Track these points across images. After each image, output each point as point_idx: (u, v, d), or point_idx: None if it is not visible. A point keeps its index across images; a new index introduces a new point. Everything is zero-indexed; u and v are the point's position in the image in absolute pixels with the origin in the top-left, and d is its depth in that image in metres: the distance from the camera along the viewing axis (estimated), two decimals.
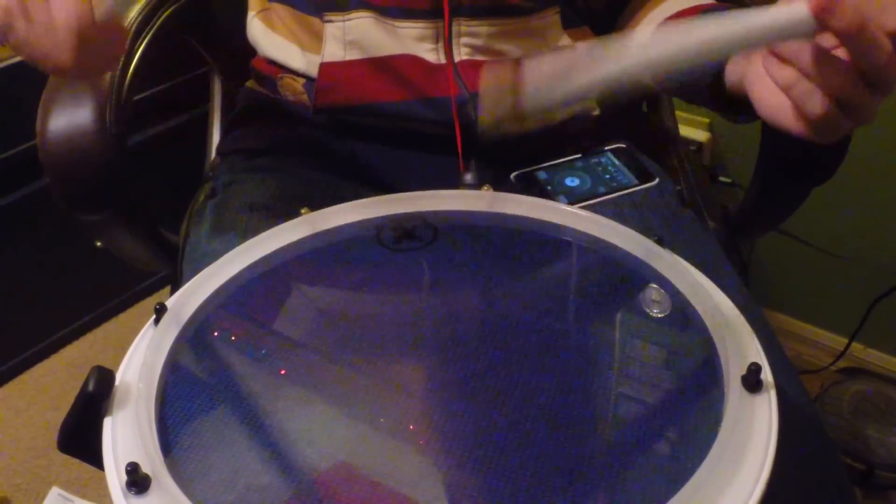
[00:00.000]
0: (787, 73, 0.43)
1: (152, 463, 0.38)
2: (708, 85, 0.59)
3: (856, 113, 0.43)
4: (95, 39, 0.52)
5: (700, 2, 0.68)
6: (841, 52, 0.41)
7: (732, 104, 0.60)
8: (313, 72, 0.70)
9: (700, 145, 1.30)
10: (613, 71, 0.41)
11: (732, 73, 0.56)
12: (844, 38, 0.39)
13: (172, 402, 0.43)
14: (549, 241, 0.56)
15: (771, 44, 0.43)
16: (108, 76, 0.70)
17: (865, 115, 0.43)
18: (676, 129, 0.96)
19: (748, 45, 0.42)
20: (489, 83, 0.39)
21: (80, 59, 0.51)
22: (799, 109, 0.44)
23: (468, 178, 0.62)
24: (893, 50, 0.40)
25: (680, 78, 0.66)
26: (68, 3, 0.50)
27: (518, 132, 0.42)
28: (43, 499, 1.22)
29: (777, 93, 0.45)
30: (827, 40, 0.41)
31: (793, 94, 0.44)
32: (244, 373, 0.46)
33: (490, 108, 0.39)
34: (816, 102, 0.43)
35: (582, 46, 0.40)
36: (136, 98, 0.73)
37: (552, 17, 0.70)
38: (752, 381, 0.41)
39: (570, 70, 0.40)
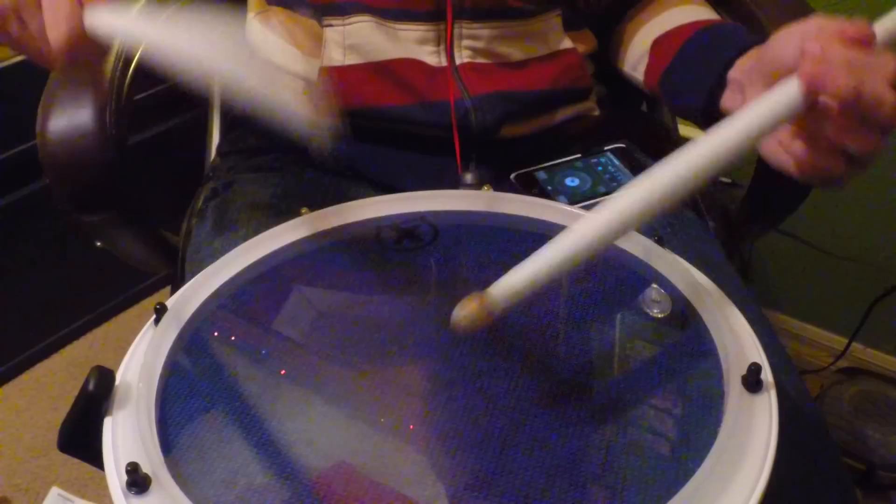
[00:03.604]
0: (783, 135, 0.43)
1: (152, 463, 0.38)
2: (701, 111, 0.59)
3: (860, 160, 0.42)
4: (86, 45, 0.53)
5: (698, 18, 0.68)
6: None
7: None
8: (312, 75, 0.70)
9: None
10: (585, 246, 0.41)
11: (730, 103, 0.56)
12: (844, 104, 0.39)
13: (173, 402, 0.43)
14: (549, 241, 0.56)
15: (772, 131, 0.42)
16: (108, 76, 0.70)
17: (869, 161, 0.43)
18: (676, 129, 0.96)
19: (749, 146, 0.41)
20: (461, 320, 0.41)
21: (71, 59, 0.53)
22: (800, 164, 0.44)
23: (468, 178, 0.62)
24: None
25: None
26: (59, 22, 0.51)
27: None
28: (43, 499, 1.23)
29: (773, 148, 0.45)
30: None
31: (792, 152, 0.44)
32: (244, 373, 0.46)
33: (466, 330, 0.41)
34: (817, 159, 0.43)
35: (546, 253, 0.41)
36: (136, 98, 0.73)
37: (554, 20, 0.70)
38: (752, 381, 0.41)
39: (537, 272, 0.41)
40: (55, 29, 0.52)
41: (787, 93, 0.40)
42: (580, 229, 0.41)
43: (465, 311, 0.41)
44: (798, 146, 0.43)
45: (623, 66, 0.75)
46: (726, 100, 0.55)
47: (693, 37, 0.65)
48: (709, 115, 0.58)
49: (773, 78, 0.43)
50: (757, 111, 0.40)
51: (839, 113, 0.39)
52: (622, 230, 0.41)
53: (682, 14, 0.69)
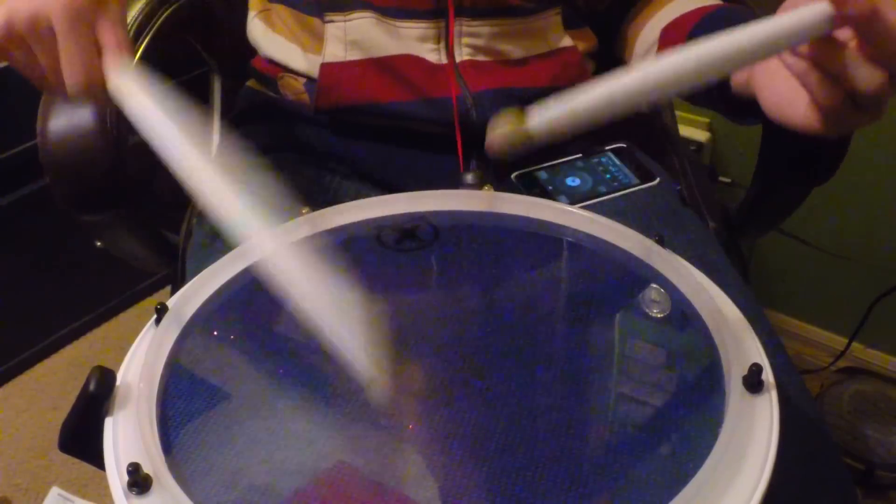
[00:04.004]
0: (802, 64, 0.43)
1: (153, 463, 0.38)
2: (716, 89, 0.59)
3: (868, 105, 0.43)
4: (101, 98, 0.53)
5: (703, 3, 0.68)
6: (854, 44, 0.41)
7: (738, 105, 0.60)
8: (314, 72, 0.70)
9: (700, 145, 1.30)
10: (626, 90, 0.41)
11: (739, 72, 0.55)
12: (858, 25, 0.39)
13: (173, 402, 0.43)
14: (550, 241, 0.56)
15: (792, 47, 0.43)
16: None
17: (877, 107, 0.43)
18: (676, 129, 0.96)
19: (771, 52, 0.42)
20: (497, 134, 0.39)
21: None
22: (812, 101, 0.44)
23: (469, 178, 0.62)
24: None
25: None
26: (77, 70, 0.51)
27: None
28: (43, 499, 1.22)
29: (786, 88, 0.45)
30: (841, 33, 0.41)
31: (807, 83, 0.44)
32: (245, 373, 0.46)
33: (499, 151, 0.39)
34: (830, 92, 0.42)
35: (591, 82, 0.41)
36: None
37: (553, 18, 0.70)
38: (753, 382, 0.41)
39: (578, 104, 0.40)
40: (73, 77, 0.51)
41: (812, 9, 0.40)
42: (629, 74, 0.40)
43: (500, 128, 0.38)
44: (813, 78, 0.43)
45: (631, 60, 0.75)
46: (738, 76, 0.56)
47: (700, 21, 0.65)
48: (722, 94, 0.58)
49: None
50: (782, 20, 0.41)
51: (855, 37, 0.40)
52: (665, 85, 0.41)
53: (688, 3, 0.69)
